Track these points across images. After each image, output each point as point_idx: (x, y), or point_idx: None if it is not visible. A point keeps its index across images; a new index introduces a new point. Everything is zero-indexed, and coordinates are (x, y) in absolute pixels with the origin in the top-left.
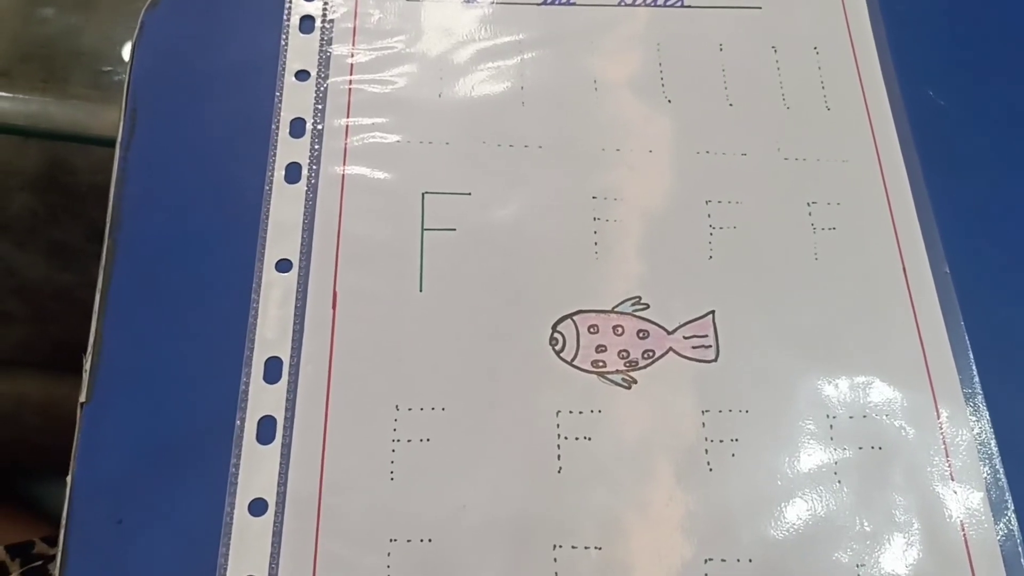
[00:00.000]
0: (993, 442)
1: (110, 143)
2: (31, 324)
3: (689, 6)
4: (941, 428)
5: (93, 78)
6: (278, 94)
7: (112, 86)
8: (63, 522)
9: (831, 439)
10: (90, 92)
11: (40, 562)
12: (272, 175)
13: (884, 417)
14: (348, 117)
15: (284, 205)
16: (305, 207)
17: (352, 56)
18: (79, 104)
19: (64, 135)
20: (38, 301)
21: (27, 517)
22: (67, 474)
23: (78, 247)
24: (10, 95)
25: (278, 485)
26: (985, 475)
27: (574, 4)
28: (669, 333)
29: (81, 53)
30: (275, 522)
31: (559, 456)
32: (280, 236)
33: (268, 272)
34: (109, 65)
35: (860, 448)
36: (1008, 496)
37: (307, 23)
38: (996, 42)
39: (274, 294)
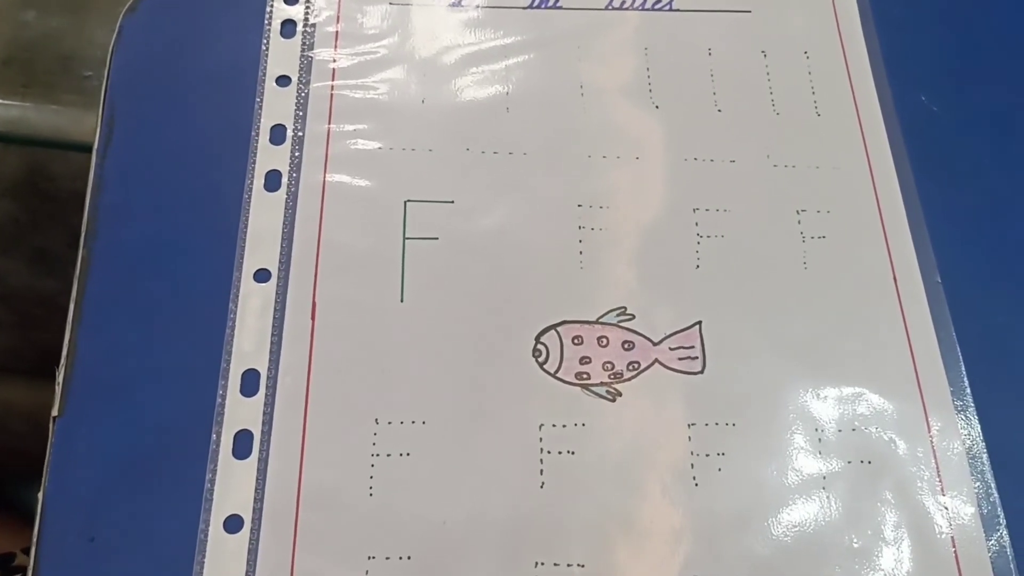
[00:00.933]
0: (985, 455)
1: (90, 149)
2: (16, 331)
3: (678, 10)
4: (932, 441)
5: (75, 83)
6: (258, 100)
7: (94, 91)
8: (34, 539)
9: (819, 453)
10: (72, 97)
11: (19, 575)
12: (251, 183)
13: (873, 430)
14: (330, 123)
15: (263, 213)
16: (285, 215)
17: (334, 61)
18: (59, 110)
19: (44, 141)
20: (23, 308)
21: (15, 523)
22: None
23: (60, 254)
24: None
25: (254, 501)
26: (977, 489)
27: (561, 8)
28: (655, 344)
29: (63, 57)
30: (251, 539)
31: (542, 470)
32: (259, 245)
33: (246, 282)
34: (91, 70)
35: (849, 462)
36: (1000, 511)
37: (288, 27)
38: (989, 47)
39: (252, 305)
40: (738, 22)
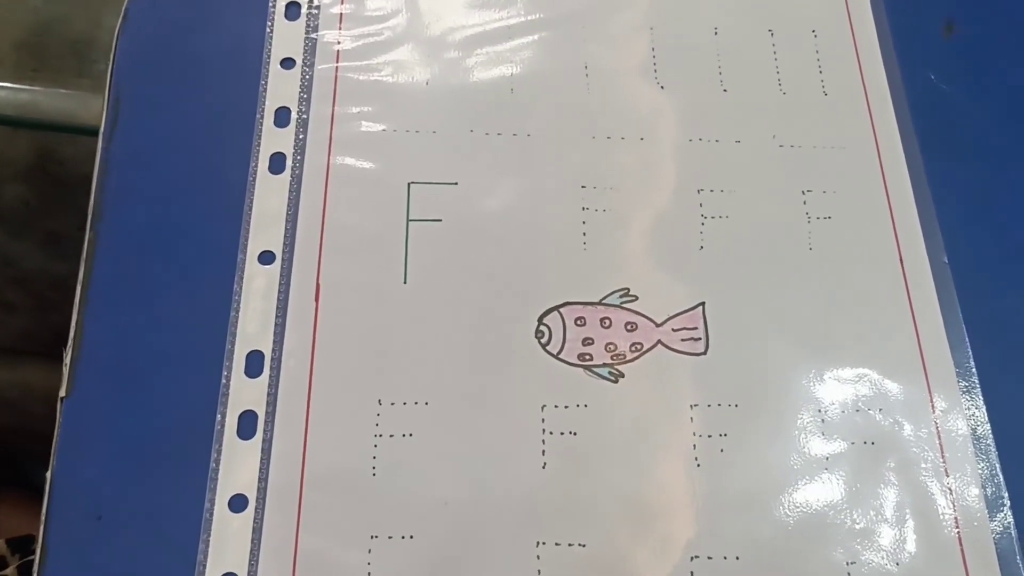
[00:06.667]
0: (990, 436)
1: (98, 132)
2: (32, 313)
3: None
4: (936, 422)
5: (85, 67)
6: (263, 83)
7: (103, 75)
8: (43, 518)
9: (823, 434)
10: (82, 81)
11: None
12: (256, 165)
13: (877, 411)
14: (334, 105)
15: (268, 196)
16: (289, 198)
17: (339, 43)
18: (68, 94)
19: (53, 125)
20: (37, 291)
21: (36, 505)
22: None
23: (72, 237)
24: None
25: (259, 480)
26: (981, 470)
27: None
28: (658, 325)
29: (73, 42)
30: (255, 518)
31: (544, 451)
32: (263, 227)
33: (251, 264)
34: (100, 54)
35: (852, 443)
36: (1005, 492)
37: (293, 9)
38: (1000, 25)
39: (256, 286)
40: (745, 0)
